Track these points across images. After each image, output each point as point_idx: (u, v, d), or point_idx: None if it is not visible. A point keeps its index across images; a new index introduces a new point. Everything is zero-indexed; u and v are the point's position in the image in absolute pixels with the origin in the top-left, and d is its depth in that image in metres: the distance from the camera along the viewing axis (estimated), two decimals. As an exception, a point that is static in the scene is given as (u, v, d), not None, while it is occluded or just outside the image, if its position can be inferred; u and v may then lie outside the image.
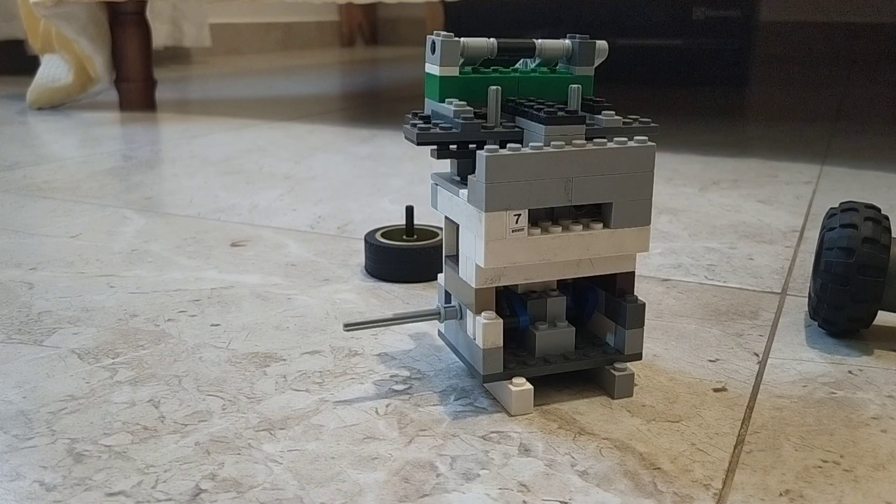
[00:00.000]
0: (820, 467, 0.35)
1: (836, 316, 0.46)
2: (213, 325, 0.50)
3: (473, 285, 0.39)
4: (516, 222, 0.37)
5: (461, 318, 0.41)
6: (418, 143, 0.39)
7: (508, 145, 0.37)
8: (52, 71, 1.43)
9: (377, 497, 0.32)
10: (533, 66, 0.43)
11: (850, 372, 0.44)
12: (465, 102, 0.40)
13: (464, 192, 0.38)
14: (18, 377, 0.42)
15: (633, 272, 0.41)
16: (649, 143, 0.38)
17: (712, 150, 1.08)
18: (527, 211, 0.37)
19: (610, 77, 1.97)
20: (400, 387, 0.42)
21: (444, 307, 0.42)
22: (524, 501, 0.32)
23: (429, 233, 0.61)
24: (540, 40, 0.42)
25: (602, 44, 0.43)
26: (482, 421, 0.38)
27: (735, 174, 0.93)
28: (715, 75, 1.89)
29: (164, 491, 0.33)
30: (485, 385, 0.41)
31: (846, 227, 0.46)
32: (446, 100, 0.40)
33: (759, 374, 0.43)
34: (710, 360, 0.45)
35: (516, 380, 0.39)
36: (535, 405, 0.40)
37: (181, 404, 0.40)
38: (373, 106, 1.53)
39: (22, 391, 0.41)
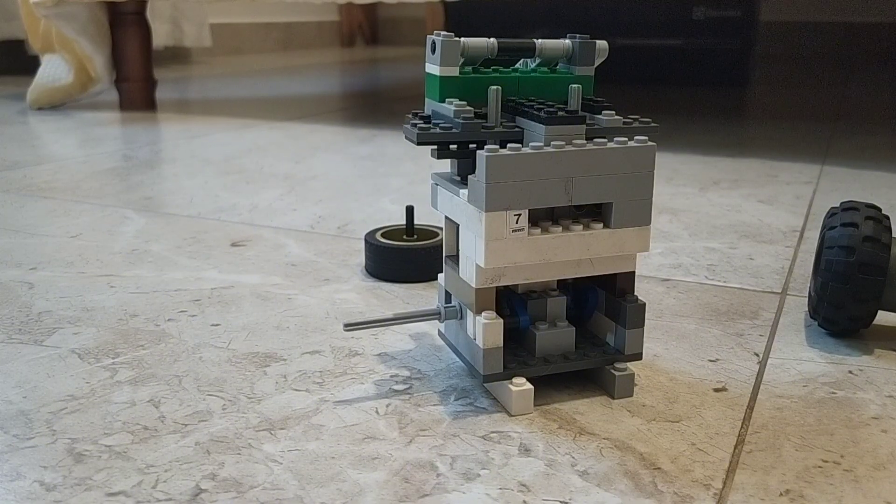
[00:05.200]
0: (820, 467, 0.35)
1: (836, 315, 0.46)
2: (213, 325, 0.50)
3: (474, 285, 0.39)
4: (516, 222, 0.37)
5: (461, 318, 0.41)
6: (418, 143, 0.39)
7: (508, 145, 0.37)
8: (53, 71, 1.43)
9: (377, 497, 0.32)
10: (533, 66, 0.43)
11: (850, 372, 0.44)
12: (465, 102, 0.40)
13: (464, 191, 0.38)
14: (18, 377, 0.42)
15: (634, 272, 0.41)
16: (649, 143, 0.38)
17: (712, 150, 1.08)
18: (527, 211, 0.37)
19: (610, 77, 1.97)
20: (400, 387, 0.42)
21: (445, 307, 0.42)
22: (524, 501, 0.32)
23: (429, 233, 0.61)
24: (540, 40, 0.42)
25: (602, 44, 0.43)
26: (482, 421, 0.38)
27: (735, 174, 0.93)
28: (715, 75, 1.89)
29: (164, 491, 0.33)
30: (485, 385, 0.41)
31: (847, 225, 0.46)
32: (446, 100, 0.40)
33: (760, 374, 0.43)
34: (711, 360, 0.45)
35: (516, 380, 0.39)
36: (535, 405, 0.40)
37: (181, 404, 0.40)
38: (373, 106, 1.53)
39: (22, 391, 0.41)
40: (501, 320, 0.39)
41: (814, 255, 0.56)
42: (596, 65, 0.43)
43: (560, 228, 0.38)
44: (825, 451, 0.36)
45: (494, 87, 0.39)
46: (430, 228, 0.62)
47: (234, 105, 1.53)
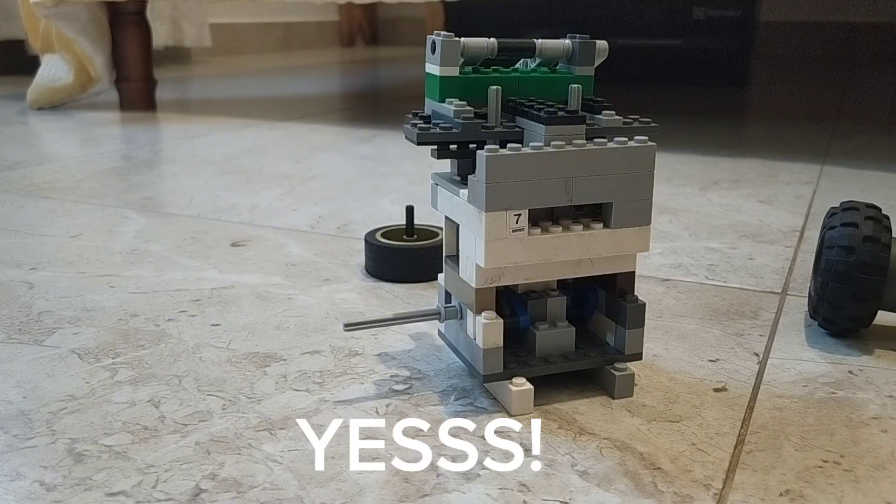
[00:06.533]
0: (820, 467, 0.35)
1: (836, 315, 0.46)
2: (213, 325, 0.50)
3: (474, 285, 0.39)
4: (516, 222, 0.37)
5: (461, 318, 0.41)
6: (418, 143, 0.39)
7: (508, 145, 0.37)
8: (53, 71, 1.43)
9: (377, 497, 0.32)
10: (533, 66, 0.43)
11: (850, 372, 0.44)
12: (465, 102, 0.40)
13: (464, 191, 0.38)
14: (19, 377, 0.42)
15: (634, 272, 0.41)
16: (649, 143, 0.38)
17: (712, 150, 1.08)
18: (527, 211, 0.37)
19: (610, 77, 1.97)
20: (400, 387, 0.42)
21: (445, 307, 0.42)
22: (524, 501, 0.32)
23: (429, 233, 0.61)
24: (540, 40, 0.42)
25: (602, 44, 0.43)
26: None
27: (735, 174, 0.93)
28: (715, 75, 1.89)
29: (164, 491, 0.33)
30: (485, 385, 0.41)
31: (847, 225, 0.46)
32: (446, 100, 0.40)
33: (760, 374, 0.43)
34: (711, 360, 0.45)
35: (516, 380, 0.39)
36: (535, 405, 0.40)
37: (181, 404, 0.40)
38: (373, 106, 1.53)
39: (22, 391, 0.41)
40: (501, 320, 0.39)
41: (814, 255, 0.56)
42: (596, 65, 0.43)
43: (560, 228, 0.38)
44: (825, 451, 0.36)
45: (494, 87, 0.39)
46: (430, 228, 0.62)
47: (234, 105, 1.53)
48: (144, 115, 1.39)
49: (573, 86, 0.40)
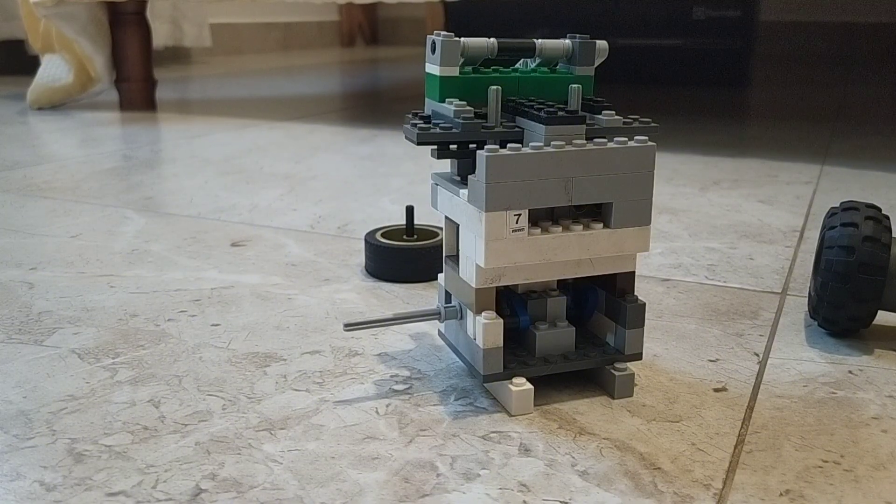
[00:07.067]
0: (820, 467, 0.35)
1: (836, 315, 0.46)
2: (213, 325, 0.50)
3: (474, 285, 0.39)
4: (516, 222, 0.37)
5: (461, 318, 0.41)
6: (418, 143, 0.39)
7: (508, 145, 0.37)
8: (53, 71, 1.43)
9: (377, 497, 0.32)
10: (533, 65, 0.43)
11: (850, 372, 0.44)
12: (465, 102, 0.40)
13: (464, 191, 0.38)
14: (18, 377, 0.42)
15: (634, 272, 0.41)
16: (649, 143, 0.38)
17: (712, 150, 1.08)
18: (527, 211, 0.37)
19: (610, 77, 1.97)
20: (400, 387, 0.42)
21: (445, 307, 0.42)
22: (524, 501, 0.32)
23: (429, 233, 0.61)
24: (540, 40, 0.42)
25: (602, 44, 0.43)
26: (482, 421, 0.38)
27: (735, 174, 0.93)
28: (715, 75, 1.89)
29: (164, 491, 0.33)
30: (485, 385, 0.41)
31: (847, 225, 0.46)
32: (446, 100, 0.40)
33: (760, 374, 0.43)
34: (711, 360, 0.45)
35: (516, 380, 0.39)
36: (535, 405, 0.40)
37: (181, 404, 0.40)
38: (373, 106, 1.53)
39: (22, 391, 0.41)
40: (501, 320, 0.39)
41: (814, 255, 0.56)
42: (596, 65, 0.43)
43: (560, 228, 0.38)
44: (825, 451, 0.36)
45: (494, 87, 0.39)
46: (430, 228, 0.62)
47: (234, 105, 1.53)
48: (144, 115, 1.39)
49: (573, 86, 0.40)
